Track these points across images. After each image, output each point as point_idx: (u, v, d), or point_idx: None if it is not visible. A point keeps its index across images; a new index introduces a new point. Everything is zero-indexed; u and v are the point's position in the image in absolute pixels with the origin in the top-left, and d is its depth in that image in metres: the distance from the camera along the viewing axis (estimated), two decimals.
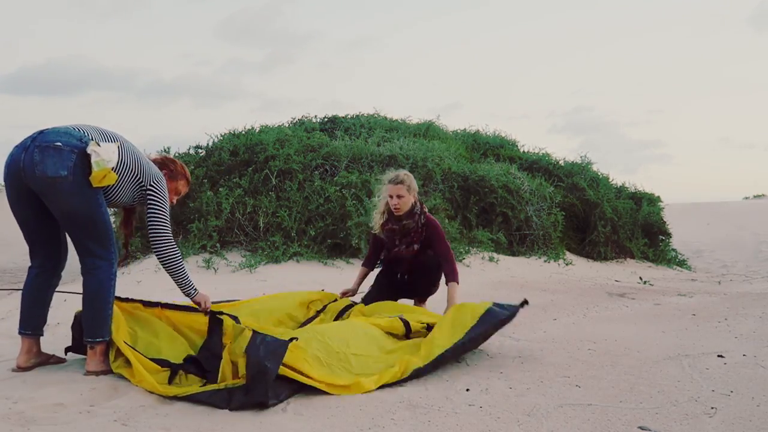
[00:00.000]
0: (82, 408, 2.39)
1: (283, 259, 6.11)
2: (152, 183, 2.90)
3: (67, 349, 3.13)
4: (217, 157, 7.11)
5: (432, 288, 4.15)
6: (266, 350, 2.44)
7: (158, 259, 2.94)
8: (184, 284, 3.00)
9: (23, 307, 2.91)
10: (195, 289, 3.05)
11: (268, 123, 8.76)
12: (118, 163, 2.77)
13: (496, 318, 3.12)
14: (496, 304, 3.23)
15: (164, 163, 3.16)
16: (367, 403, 2.50)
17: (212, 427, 2.25)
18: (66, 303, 4.36)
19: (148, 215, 2.90)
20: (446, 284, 3.86)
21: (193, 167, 6.90)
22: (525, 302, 3.28)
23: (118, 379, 2.69)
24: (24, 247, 3.00)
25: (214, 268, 5.84)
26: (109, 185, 2.75)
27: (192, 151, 7.52)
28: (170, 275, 2.96)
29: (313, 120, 10.00)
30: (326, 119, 10.04)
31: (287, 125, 9.29)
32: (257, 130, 8.07)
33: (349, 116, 10.17)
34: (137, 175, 2.87)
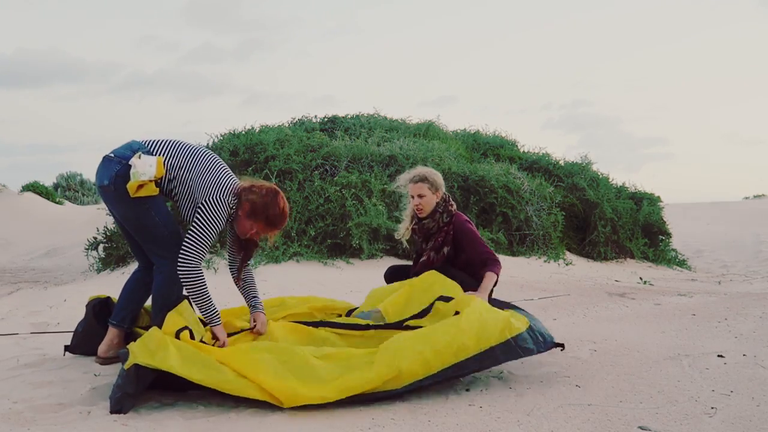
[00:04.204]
0: (82, 408, 2.39)
1: (283, 259, 6.11)
2: (203, 202, 2.76)
3: (66, 348, 3.15)
4: None
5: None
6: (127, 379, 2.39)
7: (180, 279, 2.78)
8: (203, 310, 2.81)
9: (119, 299, 3.06)
10: (217, 318, 2.82)
11: (255, 118, 8.83)
12: (166, 176, 2.79)
13: (522, 349, 2.73)
14: (530, 329, 2.82)
15: (248, 193, 2.85)
16: (368, 402, 2.50)
17: (212, 428, 2.25)
18: (66, 303, 4.37)
19: (186, 231, 2.80)
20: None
21: None
22: (561, 346, 2.89)
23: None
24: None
25: (214, 268, 5.84)
26: (151, 196, 2.79)
27: None
28: (191, 298, 2.83)
29: (313, 120, 10.02)
30: (326, 119, 10.05)
31: (287, 125, 9.30)
32: (257, 130, 8.08)
33: (349, 116, 10.18)
34: (191, 190, 2.82)
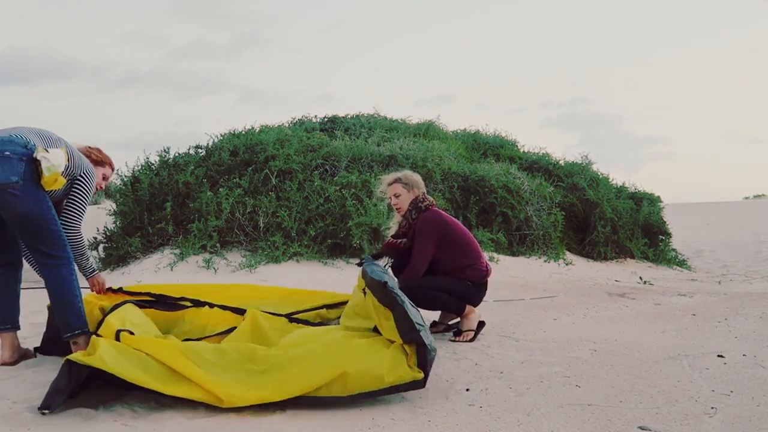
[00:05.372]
0: (82, 408, 2.39)
1: (283, 259, 6.11)
2: (83, 173, 3.05)
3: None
4: (217, 157, 7.12)
5: (427, 304, 3.57)
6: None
7: (69, 237, 3.01)
8: (85, 266, 3.17)
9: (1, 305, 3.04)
10: (93, 269, 3.22)
11: (251, 116, 8.86)
12: (66, 166, 2.92)
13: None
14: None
15: (89, 152, 3.29)
16: (367, 403, 2.50)
17: (212, 427, 2.25)
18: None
19: (70, 201, 3.02)
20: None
21: (193, 167, 6.91)
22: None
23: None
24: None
25: (214, 268, 5.84)
26: (48, 191, 2.86)
27: (192, 151, 7.53)
28: (77, 258, 3.10)
29: (313, 120, 10.02)
30: (326, 119, 10.05)
31: (287, 125, 9.30)
32: (257, 130, 8.08)
33: (349, 116, 10.18)
34: (72, 170, 3.00)
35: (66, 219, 3.01)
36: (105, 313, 3.02)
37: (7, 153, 2.76)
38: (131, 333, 2.69)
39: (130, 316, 2.97)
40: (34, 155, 2.78)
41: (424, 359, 2.55)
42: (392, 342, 2.63)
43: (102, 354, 2.42)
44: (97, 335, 2.71)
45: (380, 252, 3.86)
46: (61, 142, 3.00)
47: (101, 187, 3.35)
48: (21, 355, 3.07)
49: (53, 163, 2.80)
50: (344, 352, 2.58)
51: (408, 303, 2.69)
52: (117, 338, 2.64)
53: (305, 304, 3.56)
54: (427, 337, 2.58)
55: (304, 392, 2.43)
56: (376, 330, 2.78)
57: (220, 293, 3.56)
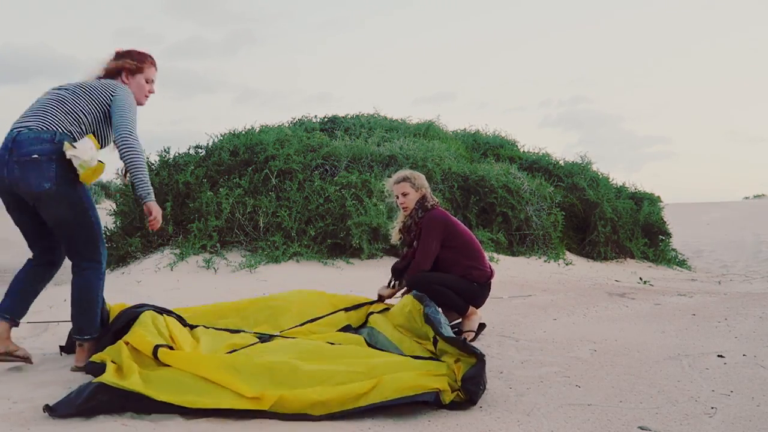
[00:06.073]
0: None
1: (283, 259, 6.11)
2: (112, 93, 2.85)
3: (62, 349, 3.17)
4: (217, 157, 7.11)
5: (432, 299, 3.45)
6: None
7: (121, 152, 2.77)
8: (143, 183, 2.82)
9: (10, 291, 2.91)
10: (149, 194, 2.84)
11: (249, 115, 8.84)
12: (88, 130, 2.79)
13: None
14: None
15: (123, 65, 3.02)
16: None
17: (212, 428, 2.25)
18: (66, 303, 4.36)
19: (115, 110, 2.81)
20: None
21: (193, 167, 6.91)
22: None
23: None
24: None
25: (214, 268, 5.85)
26: (84, 194, 2.79)
27: (192, 151, 7.53)
28: (131, 172, 2.80)
29: (313, 120, 10.02)
30: (326, 119, 10.05)
31: (287, 125, 9.30)
32: (257, 130, 8.07)
33: (349, 116, 10.18)
34: (101, 108, 2.85)
35: (120, 130, 2.76)
36: (126, 312, 2.99)
37: (35, 156, 2.64)
38: (170, 348, 2.65)
39: (155, 326, 2.86)
40: (64, 150, 2.66)
41: (456, 404, 2.49)
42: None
43: (134, 385, 2.38)
44: (130, 344, 2.66)
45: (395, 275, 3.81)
46: (78, 102, 2.79)
47: (152, 91, 3.08)
48: (7, 350, 2.85)
49: (84, 159, 2.66)
50: (388, 362, 2.63)
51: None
52: (155, 353, 2.59)
53: (327, 309, 3.53)
54: (479, 396, 2.52)
55: (346, 397, 2.39)
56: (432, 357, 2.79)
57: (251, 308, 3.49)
